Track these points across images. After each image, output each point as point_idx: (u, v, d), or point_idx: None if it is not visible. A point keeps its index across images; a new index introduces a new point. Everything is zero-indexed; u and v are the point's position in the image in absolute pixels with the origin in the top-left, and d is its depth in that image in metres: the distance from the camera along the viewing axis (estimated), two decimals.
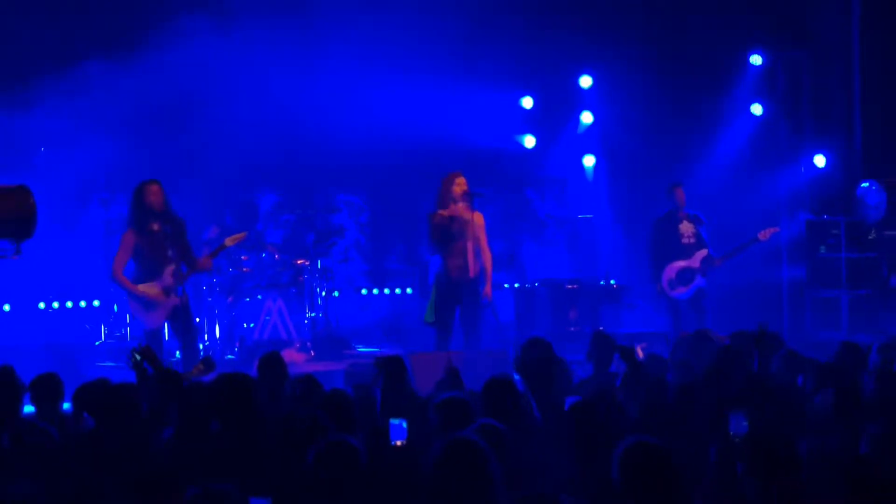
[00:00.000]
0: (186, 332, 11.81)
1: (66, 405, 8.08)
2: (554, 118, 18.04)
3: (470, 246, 12.23)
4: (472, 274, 12.26)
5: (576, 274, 16.97)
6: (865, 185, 15.82)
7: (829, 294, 16.23)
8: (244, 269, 15.06)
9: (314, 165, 16.15)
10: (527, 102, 17.81)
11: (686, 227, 14.07)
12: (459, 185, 12.24)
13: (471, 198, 12.23)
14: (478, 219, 12.36)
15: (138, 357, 8.26)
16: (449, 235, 12.25)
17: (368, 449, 5.98)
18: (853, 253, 16.01)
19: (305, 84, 15.15)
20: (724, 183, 17.03)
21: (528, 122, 17.94)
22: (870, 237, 15.96)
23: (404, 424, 6.42)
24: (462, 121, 16.75)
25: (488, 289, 12.41)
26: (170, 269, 11.59)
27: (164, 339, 12.31)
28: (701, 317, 13.80)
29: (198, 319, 14.64)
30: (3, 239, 11.65)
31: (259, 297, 14.97)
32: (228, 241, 12.26)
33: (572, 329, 15.04)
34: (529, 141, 17.95)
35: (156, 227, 11.50)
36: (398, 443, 6.41)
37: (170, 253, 11.56)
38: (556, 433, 6.19)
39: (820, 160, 17.37)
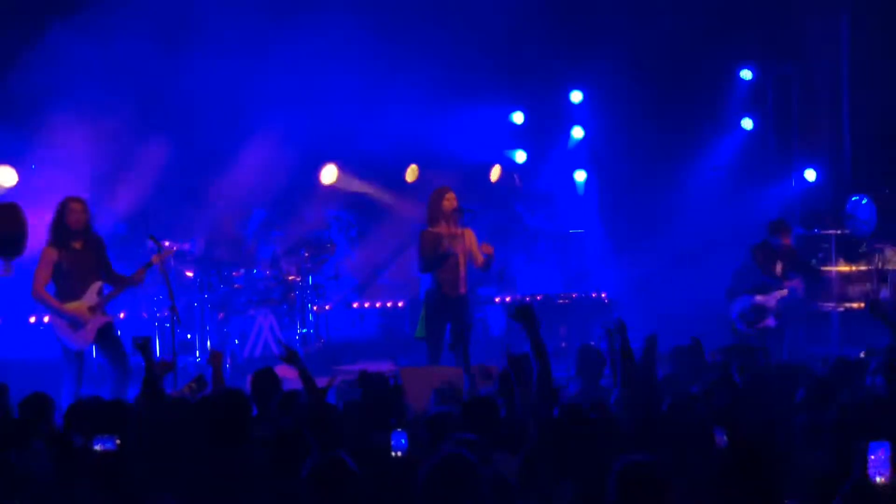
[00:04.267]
0: (115, 351, 11.25)
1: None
2: (545, 133, 18.07)
3: (461, 261, 12.14)
4: (462, 290, 12.19)
5: (566, 289, 16.99)
6: (855, 198, 15.85)
7: (819, 307, 16.24)
8: (235, 286, 15.05)
9: (303, 181, 16.16)
10: (517, 118, 17.83)
11: (779, 268, 13.66)
12: (449, 200, 12.11)
13: (461, 213, 12.13)
14: (469, 235, 12.26)
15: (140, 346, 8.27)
16: (440, 252, 12.09)
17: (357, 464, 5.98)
18: (844, 266, 16.04)
19: (295, 99, 15.16)
20: (714, 197, 17.07)
21: (519, 137, 17.96)
22: (860, 251, 15.99)
23: (404, 439, 6.43)
24: (453, 136, 16.77)
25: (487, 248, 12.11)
26: (95, 286, 11.13)
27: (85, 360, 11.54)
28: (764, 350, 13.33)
29: (189, 336, 14.68)
30: None
31: (250, 313, 14.96)
32: (155, 259, 11.55)
33: (563, 344, 15.02)
34: (520, 156, 17.97)
35: (77, 244, 11.07)
36: (398, 453, 6.41)
37: (93, 271, 11.15)
38: (541, 447, 6.17)
39: (810, 174, 17.41)
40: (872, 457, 5.41)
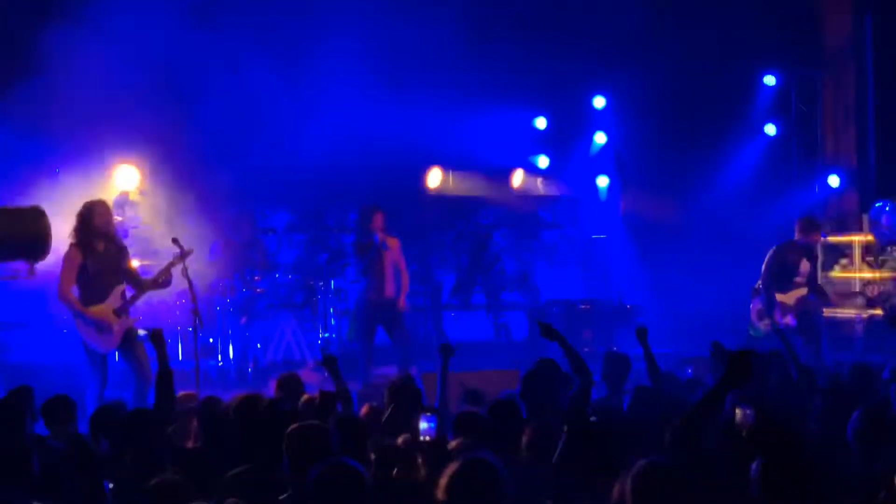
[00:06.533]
0: (138, 356, 11.07)
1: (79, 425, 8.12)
2: (567, 138, 18.07)
3: (387, 268, 13.12)
4: (388, 294, 13.10)
5: (589, 294, 16.97)
6: (879, 204, 15.78)
7: (843, 314, 16.17)
8: (258, 290, 15.09)
9: (326, 184, 16.18)
10: (540, 123, 17.83)
11: (805, 266, 13.35)
12: (377, 220, 13.07)
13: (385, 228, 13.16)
14: (393, 243, 13.20)
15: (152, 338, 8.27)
16: (369, 262, 13.10)
17: (377, 469, 6.00)
18: (867, 273, 15.98)
19: (318, 103, 15.19)
20: (737, 202, 17.03)
21: (542, 142, 17.96)
22: (884, 257, 15.92)
23: (433, 422, 6.45)
24: (476, 141, 16.77)
25: (402, 300, 13.29)
26: (118, 289, 11.02)
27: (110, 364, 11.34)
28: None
29: (211, 340, 14.72)
30: (18, 260, 11.73)
31: (273, 317, 15.01)
32: (176, 261, 11.28)
33: (586, 349, 14.97)
34: (543, 161, 17.97)
35: (100, 247, 10.98)
36: (426, 438, 6.43)
37: (116, 273, 11.04)
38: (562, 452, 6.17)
39: (834, 180, 17.36)
40: None
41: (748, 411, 6.44)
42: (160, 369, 7.92)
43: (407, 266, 13.56)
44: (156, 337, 8.15)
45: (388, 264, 13.13)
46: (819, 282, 14.35)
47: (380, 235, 12.98)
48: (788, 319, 13.16)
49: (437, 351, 8.63)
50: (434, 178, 16.58)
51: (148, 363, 11.12)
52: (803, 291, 13.26)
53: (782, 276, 13.28)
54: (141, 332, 9.16)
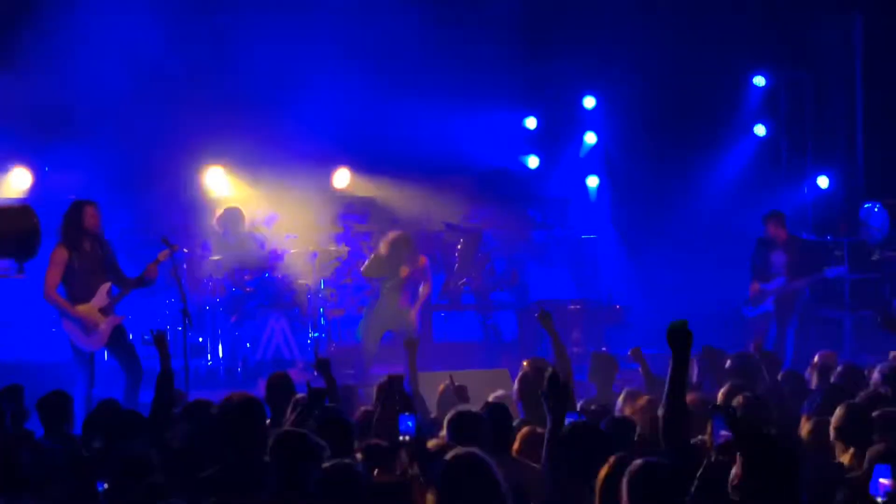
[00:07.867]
0: (127, 353, 11.21)
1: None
2: (557, 138, 18.06)
3: (404, 285, 13.35)
4: (400, 306, 13.34)
5: (578, 294, 16.96)
6: (868, 205, 15.81)
7: (831, 315, 16.18)
8: (247, 289, 15.06)
9: (317, 184, 16.16)
10: (530, 123, 17.83)
11: (778, 258, 14.44)
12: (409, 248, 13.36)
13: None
14: (419, 263, 13.46)
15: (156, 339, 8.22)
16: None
17: (365, 468, 6.00)
18: (856, 274, 15.99)
19: (306, 101, 15.18)
20: (726, 203, 17.05)
21: (532, 142, 17.96)
22: (873, 258, 15.93)
23: (411, 421, 6.46)
24: (466, 140, 16.77)
25: (412, 314, 13.47)
26: (104, 288, 11.09)
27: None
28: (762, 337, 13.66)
29: (200, 339, 14.69)
30: (6, 258, 11.71)
31: (262, 316, 14.99)
32: (162, 256, 11.36)
33: (575, 349, 14.97)
34: (533, 161, 17.96)
35: (88, 246, 11.06)
36: (406, 437, 6.44)
37: (102, 272, 11.10)
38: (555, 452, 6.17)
39: (823, 181, 17.38)
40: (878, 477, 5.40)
41: (723, 432, 6.42)
42: (162, 370, 7.90)
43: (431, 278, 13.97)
44: (159, 339, 8.14)
45: (407, 279, 13.38)
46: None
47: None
48: (767, 305, 14.21)
49: (403, 346, 8.68)
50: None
51: (138, 359, 11.15)
52: (781, 280, 14.29)
53: (760, 269, 14.47)
54: (145, 336, 9.14)
